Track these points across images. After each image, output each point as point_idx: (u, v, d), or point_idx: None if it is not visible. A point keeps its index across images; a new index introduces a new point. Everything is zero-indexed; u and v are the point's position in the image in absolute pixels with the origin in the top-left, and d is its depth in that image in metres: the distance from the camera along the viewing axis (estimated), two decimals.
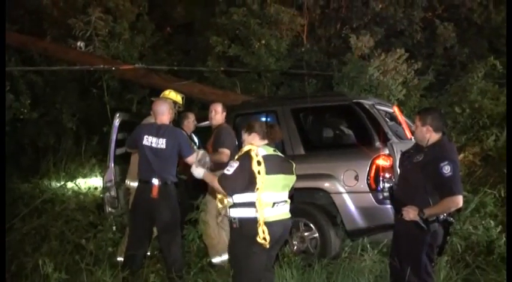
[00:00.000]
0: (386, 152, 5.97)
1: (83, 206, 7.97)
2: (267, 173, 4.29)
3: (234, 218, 4.37)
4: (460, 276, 5.47)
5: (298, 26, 12.42)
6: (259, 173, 4.25)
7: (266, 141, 4.59)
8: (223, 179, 4.37)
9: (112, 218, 7.08)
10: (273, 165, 4.37)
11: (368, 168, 6.00)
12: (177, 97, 6.77)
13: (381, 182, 5.93)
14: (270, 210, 4.32)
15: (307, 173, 6.35)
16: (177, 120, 6.95)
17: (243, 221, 4.33)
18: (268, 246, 4.26)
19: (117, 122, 7.50)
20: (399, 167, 5.14)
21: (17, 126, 12.41)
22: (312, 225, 6.36)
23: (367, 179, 6.00)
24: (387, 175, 5.92)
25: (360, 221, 6.10)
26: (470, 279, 5.54)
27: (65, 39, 12.56)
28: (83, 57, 11.37)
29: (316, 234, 6.33)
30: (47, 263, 5.35)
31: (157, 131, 5.69)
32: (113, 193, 7.43)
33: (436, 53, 13.10)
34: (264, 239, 4.21)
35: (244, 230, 4.33)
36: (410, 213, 4.46)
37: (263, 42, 11.79)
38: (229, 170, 4.31)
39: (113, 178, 7.43)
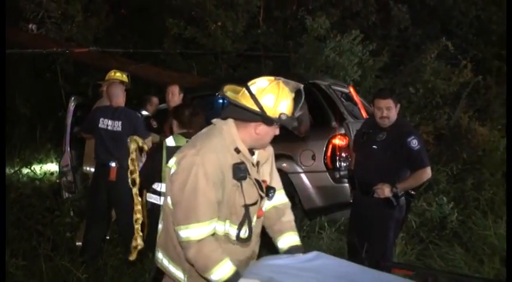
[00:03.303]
0: (343, 131, 6.06)
1: (39, 192, 7.86)
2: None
3: (148, 202, 4.47)
4: (415, 251, 5.62)
5: (255, 8, 12.35)
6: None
7: (185, 130, 4.39)
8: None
9: (69, 202, 7.00)
10: None
11: (325, 148, 6.08)
12: (123, 76, 6.70)
13: (338, 161, 6.02)
14: None
15: None
16: (140, 103, 6.93)
17: (153, 206, 4.39)
18: None
19: (72, 105, 7.41)
20: (355, 147, 5.18)
21: None
22: None
23: (324, 158, 6.08)
24: (344, 154, 6.01)
25: (318, 200, 6.18)
26: (425, 253, 5.70)
27: (15, 21, 12.20)
28: (35, 40, 11.10)
29: None
30: (3, 251, 5.28)
31: (113, 113, 5.66)
32: (70, 178, 7.35)
33: (391, 34, 13.28)
34: None
35: (153, 214, 4.35)
36: (385, 191, 4.51)
37: (219, 23, 11.72)
38: (140, 165, 4.39)
39: (69, 163, 7.34)
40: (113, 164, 5.54)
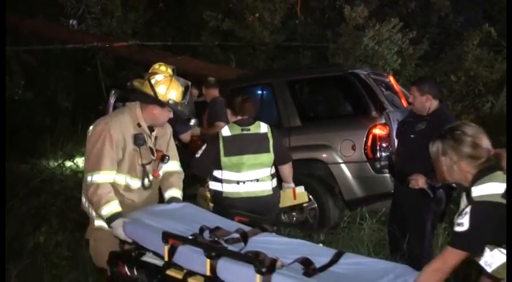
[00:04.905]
0: (383, 121, 5.97)
1: (81, 184, 7.97)
2: (225, 155, 4.39)
3: (210, 189, 4.65)
4: None
5: None
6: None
7: (239, 117, 4.54)
8: (193, 162, 4.58)
9: None
10: (235, 147, 4.41)
11: (365, 138, 6.00)
12: (168, 70, 6.72)
13: (378, 151, 5.94)
14: (233, 187, 4.45)
15: (304, 144, 6.38)
16: None
17: (214, 192, 4.57)
18: None
19: (112, 99, 7.47)
20: (396, 136, 5.14)
21: (12, 106, 12.34)
22: (310, 196, 6.38)
23: (364, 148, 6.00)
24: (384, 144, 5.92)
25: (358, 191, 6.12)
26: None
27: (56, 17, 12.42)
28: (75, 36, 11.26)
29: (315, 205, 6.36)
30: (48, 241, 5.39)
31: None
32: None
33: (431, 21, 13.04)
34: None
35: (215, 200, 4.59)
36: (419, 181, 4.43)
37: (257, 15, 11.71)
38: (198, 153, 4.50)
39: None
40: None
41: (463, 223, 2.49)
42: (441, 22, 13.13)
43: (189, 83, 3.93)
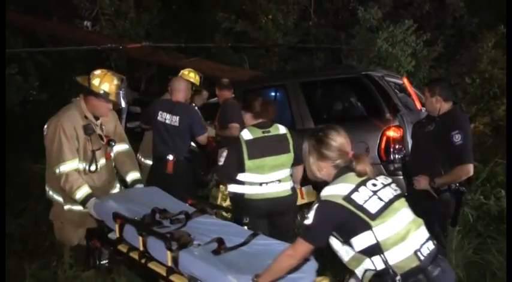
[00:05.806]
0: (397, 123, 5.95)
1: None
2: (249, 158, 4.42)
3: (230, 191, 4.70)
4: (472, 246, 5.47)
5: (305, 0, 12.30)
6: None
7: (260, 120, 4.60)
8: (217, 170, 4.72)
9: None
10: (257, 149, 4.46)
11: (378, 140, 5.98)
12: (196, 77, 6.76)
13: (392, 154, 5.91)
14: (256, 189, 4.49)
15: None
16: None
17: (235, 195, 4.60)
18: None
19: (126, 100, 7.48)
20: (412, 138, 5.16)
21: (27, 107, 12.42)
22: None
23: (378, 150, 5.98)
24: (398, 146, 5.90)
25: None
26: (482, 248, 5.55)
27: (71, 19, 12.49)
28: (89, 37, 11.32)
29: None
30: None
31: (172, 107, 5.71)
32: None
33: (445, 23, 12.94)
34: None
35: (235, 202, 4.64)
36: (421, 183, 4.46)
37: (270, 17, 11.70)
38: (221, 160, 4.54)
39: None
40: (170, 157, 5.61)
41: (309, 217, 2.74)
42: (456, 24, 13.03)
43: (124, 77, 4.48)
